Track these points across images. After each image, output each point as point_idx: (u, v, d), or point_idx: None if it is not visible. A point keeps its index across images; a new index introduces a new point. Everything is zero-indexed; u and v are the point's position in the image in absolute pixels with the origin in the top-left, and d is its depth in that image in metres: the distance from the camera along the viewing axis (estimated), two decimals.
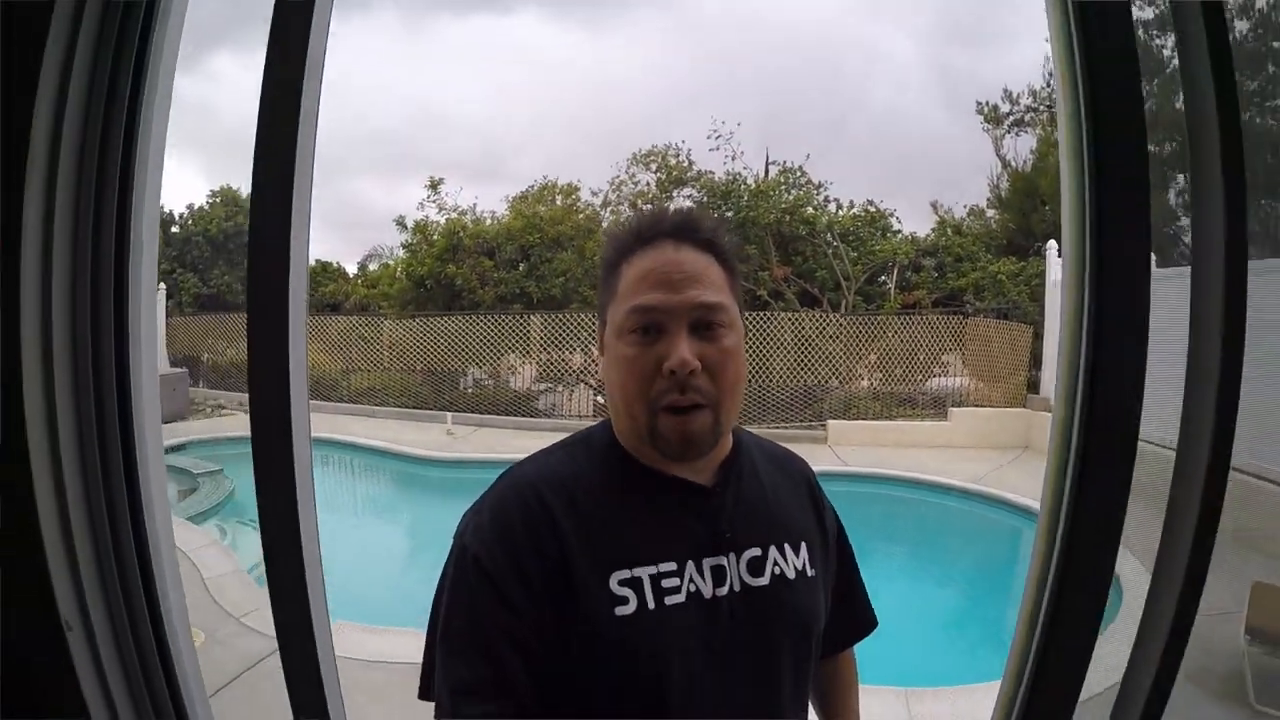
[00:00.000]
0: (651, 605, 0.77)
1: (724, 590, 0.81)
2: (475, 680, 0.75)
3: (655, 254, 0.81)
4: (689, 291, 0.79)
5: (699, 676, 0.78)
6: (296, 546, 0.89)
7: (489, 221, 13.00)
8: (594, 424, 0.90)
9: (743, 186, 12.37)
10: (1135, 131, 0.80)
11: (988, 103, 14.29)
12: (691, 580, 0.80)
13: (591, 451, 0.86)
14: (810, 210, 12.31)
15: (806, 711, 0.90)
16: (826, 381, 10.65)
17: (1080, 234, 0.83)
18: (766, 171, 12.84)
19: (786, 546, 0.87)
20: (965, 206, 14.81)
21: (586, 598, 0.76)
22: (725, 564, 0.82)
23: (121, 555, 0.93)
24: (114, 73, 0.88)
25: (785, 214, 12.00)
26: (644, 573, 0.78)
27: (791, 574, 0.86)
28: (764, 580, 0.83)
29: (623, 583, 0.77)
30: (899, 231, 12.94)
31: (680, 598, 0.79)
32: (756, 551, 0.84)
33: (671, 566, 0.79)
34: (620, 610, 0.76)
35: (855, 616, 1.00)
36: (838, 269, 11.89)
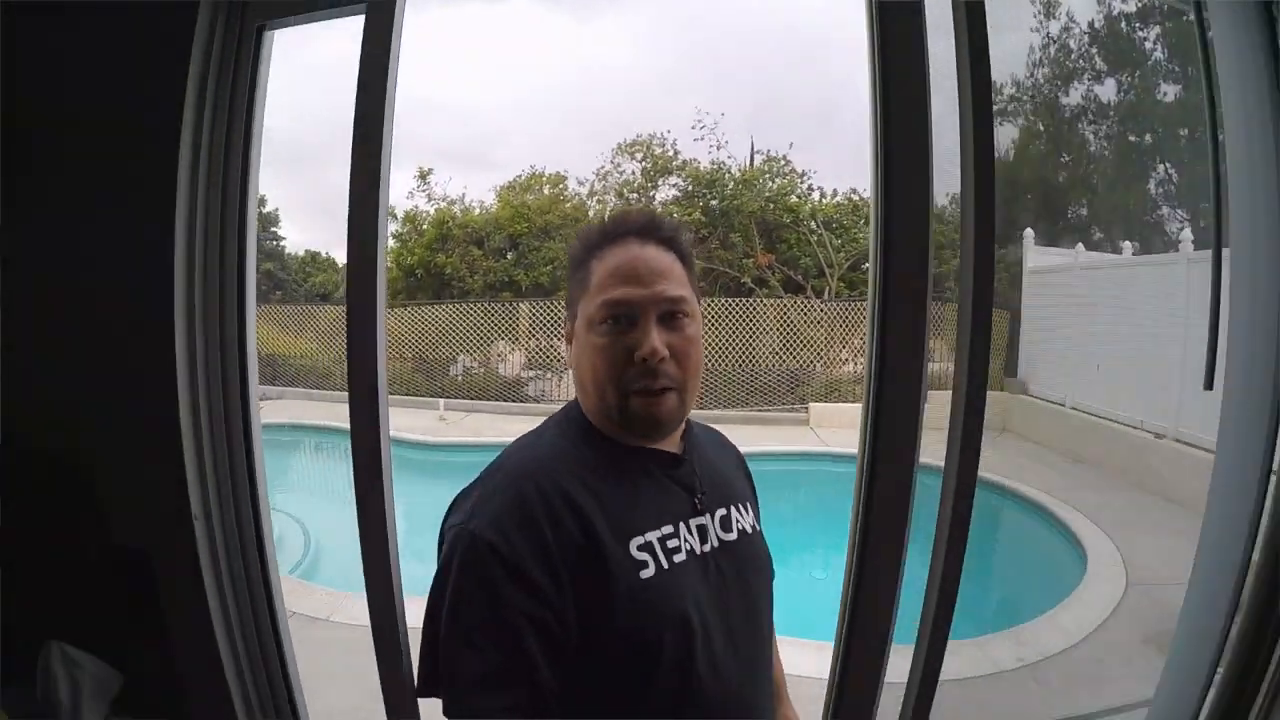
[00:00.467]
0: (665, 566, 0.84)
1: (708, 547, 0.91)
2: (496, 670, 0.77)
3: (623, 251, 0.89)
4: (657, 286, 0.87)
5: (710, 624, 0.86)
6: (383, 536, 1.16)
7: (477, 211, 13.15)
8: (561, 409, 0.97)
9: (727, 175, 12.59)
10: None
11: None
12: (686, 540, 0.88)
13: (575, 434, 0.92)
14: (794, 199, 12.55)
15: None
16: (810, 366, 10.95)
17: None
18: (751, 160, 13.05)
19: (738, 506, 0.98)
20: (947, 195, 15.09)
21: (616, 567, 0.81)
22: (706, 523, 0.92)
23: (235, 472, 1.20)
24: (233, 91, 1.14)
25: (769, 202, 12.25)
26: (653, 537, 0.85)
27: (749, 529, 0.98)
28: (733, 535, 0.94)
29: (640, 548, 0.84)
30: None
31: (683, 556, 0.87)
32: (724, 511, 0.95)
33: (670, 529, 0.87)
34: (644, 574, 0.82)
35: None
36: (821, 256, 12.16)
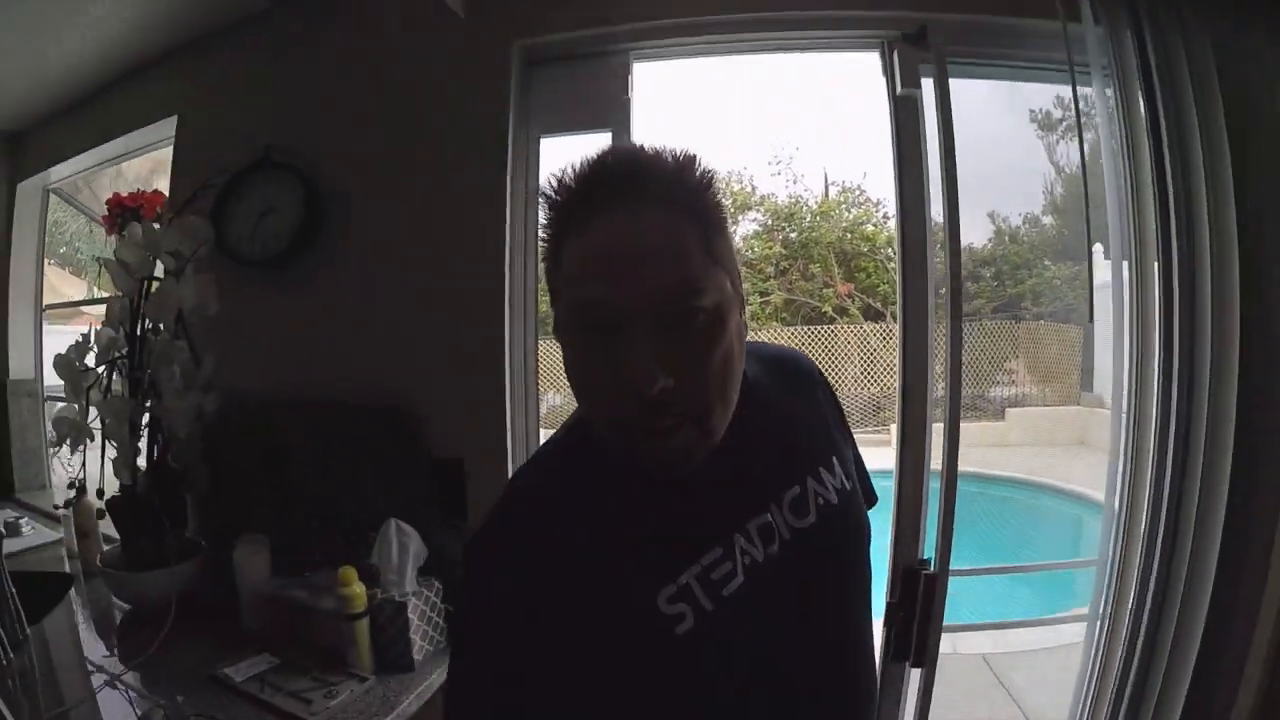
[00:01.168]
0: (710, 607, 0.66)
1: (774, 547, 0.72)
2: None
3: (597, 228, 0.62)
4: (647, 276, 0.61)
5: (785, 637, 0.71)
6: None
7: None
8: (564, 423, 0.76)
9: (805, 208, 13.06)
10: None
11: (1041, 109, 14.58)
12: (744, 553, 0.70)
13: (578, 461, 0.72)
14: (870, 227, 12.89)
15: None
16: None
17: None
18: (826, 192, 13.49)
19: (821, 470, 0.79)
20: (1021, 215, 15.06)
21: (636, 634, 0.65)
22: (770, 518, 0.73)
23: None
24: None
25: (846, 232, 12.63)
26: (689, 576, 0.67)
27: (835, 498, 0.78)
28: (811, 518, 0.75)
29: (671, 600, 0.66)
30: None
31: (738, 580, 0.69)
32: (796, 490, 0.76)
33: (718, 552, 0.69)
34: (679, 629, 0.65)
35: (864, 489, 0.88)
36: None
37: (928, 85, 1.63)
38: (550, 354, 1.56)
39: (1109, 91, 1.51)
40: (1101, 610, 1.63)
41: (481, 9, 1.81)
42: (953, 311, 1.62)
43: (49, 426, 2.61)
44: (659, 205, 0.63)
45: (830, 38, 1.72)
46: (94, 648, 1.43)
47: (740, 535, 0.71)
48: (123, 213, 1.84)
